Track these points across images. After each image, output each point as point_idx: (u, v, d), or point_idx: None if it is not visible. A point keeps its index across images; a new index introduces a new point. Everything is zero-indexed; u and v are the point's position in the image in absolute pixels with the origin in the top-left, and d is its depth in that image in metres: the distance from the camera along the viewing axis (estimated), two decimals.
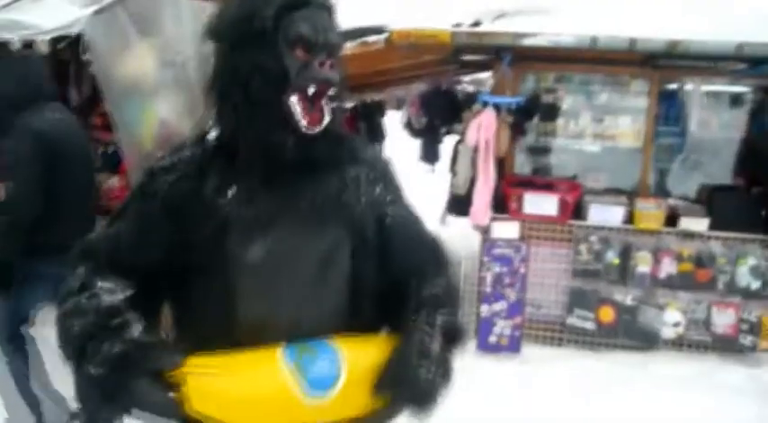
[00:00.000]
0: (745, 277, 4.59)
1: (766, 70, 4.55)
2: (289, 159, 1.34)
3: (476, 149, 4.63)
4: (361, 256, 1.43)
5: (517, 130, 4.64)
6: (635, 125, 4.88)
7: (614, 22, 4.25)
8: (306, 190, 1.38)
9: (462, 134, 4.94)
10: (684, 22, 4.28)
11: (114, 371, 1.22)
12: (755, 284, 4.59)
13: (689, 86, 4.97)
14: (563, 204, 4.70)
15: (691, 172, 5.26)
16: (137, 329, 1.26)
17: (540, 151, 5.15)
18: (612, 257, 4.65)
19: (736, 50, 4.10)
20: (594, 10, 4.39)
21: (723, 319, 4.65)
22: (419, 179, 8.77)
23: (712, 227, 4.61)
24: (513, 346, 4.77)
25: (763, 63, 4.41)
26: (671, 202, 4.87)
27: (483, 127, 4.56)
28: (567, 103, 4.91)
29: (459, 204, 4.96)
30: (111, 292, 1.31)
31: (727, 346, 4.66)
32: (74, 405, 3.16)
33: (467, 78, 6.31)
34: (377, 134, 8.44)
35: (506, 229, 4.75)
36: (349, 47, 4.53)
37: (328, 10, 1.39)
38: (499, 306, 4.77)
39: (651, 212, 4.67)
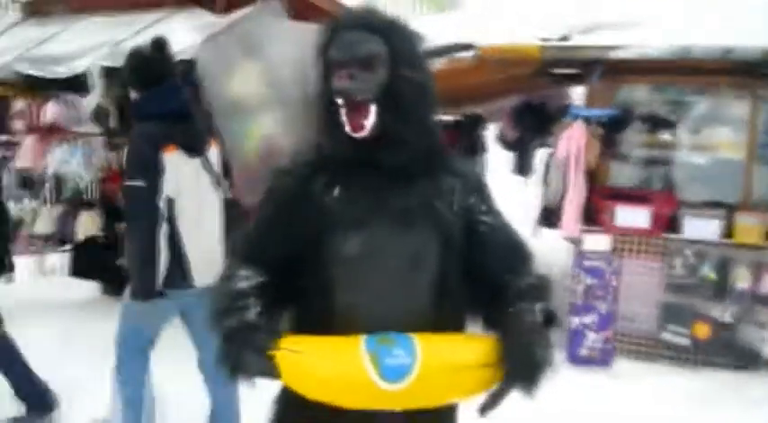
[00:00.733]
0: None
1: None
2: (356, 162, 1.55)
3: (566, 162, 4.67)
4: (448, 258, 1.57)
5: (607, 142, 4.63)
6: (735, 136, 4.74)
7: (706, 31, 4.17)
8: (399, 194, 1.55)
9: (553, 147, 4.98)
10: None
11: (229, 341, 1.47)
12: None
13: None
14: (656, 217, 4.63)
15: None
16: (253, 312, 1.48)
17: (635, 163, 5.08)
18: (708, 272, 4.53)
19: None
20: (685, 20, 4.32)
21: None
22: (513, 191, 8.79)
23: None
24: (604, 360, 4.74)
25: None
26: None
27: (572, 139, 4.60)
28: (661, 114, 4.83)
29: (551, 216, 4.99)
30: (247, 279, 1.55)
31: None
32: None
33: (559, 91, 6.32)
34: (477, 147, 8.51)
35: (597, 242, 4.74)
36: (440, 63, 4.69)
37: (368, 27, 1.54)
38: (589, 318, 4.76)
39: (751, 226, 4.52)
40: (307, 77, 5.39)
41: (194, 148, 3.08)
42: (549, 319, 1.57)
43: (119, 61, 4.79)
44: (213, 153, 3.26)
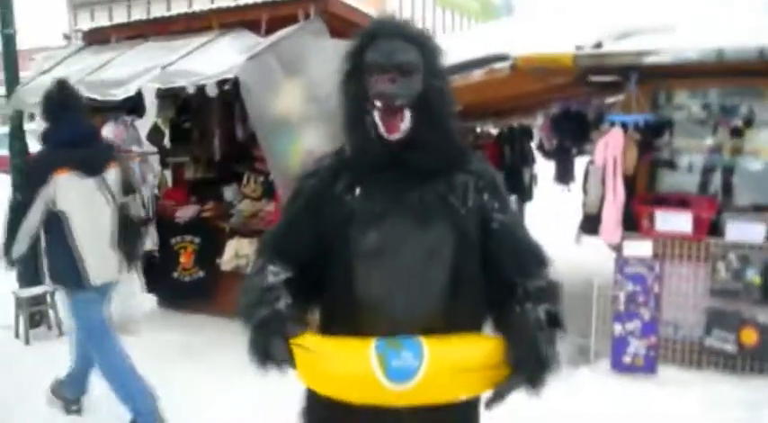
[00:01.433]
0: None
1: None
2: (383, 162, 1.68)
3: (604, 168, 4.68)
4: (463, 252, 1.69)
5: (646, 147, 4.63)
6: None
7: (742, 33, 4.14)
8: (415, 190, 1.68)
9: (592, 154, 4.99)
10: None
11: (257, 329, 1.62)
12: None
13: None
14: (698, 221, 4.59)
15: None
16: (283, 303, 1.63)
17: (675, 169, 5.04)
18: (753, 276, 4.45)
19: None
20: (720, 23, 4.30)
21: None
22: (555, 199, 8.75)
23: None
24: (649, 367, 4.69)
25: None
26: None
27: (610, 146, 4.61)
28: (700, 118, 4.79)
29: (592, 223, 4.98)
30: (276, 275, 1.70)
31: None
32: None
33: (599, 99, 6.32)
34: (524, 158, 8.53)
35: (639, 247, 4.71)
36: (477, 75, 4.78)
37: (405, 36, 1.68)
38: (633, 325, 4.72)
39: None
40: None
41: (88, 170, 3.76)
42: (556, 322, 1.65)
43: (169, 83, 5.07)
44: (111, 173, 3.90)
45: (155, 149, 6.61)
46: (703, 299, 4.62)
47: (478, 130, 8.72)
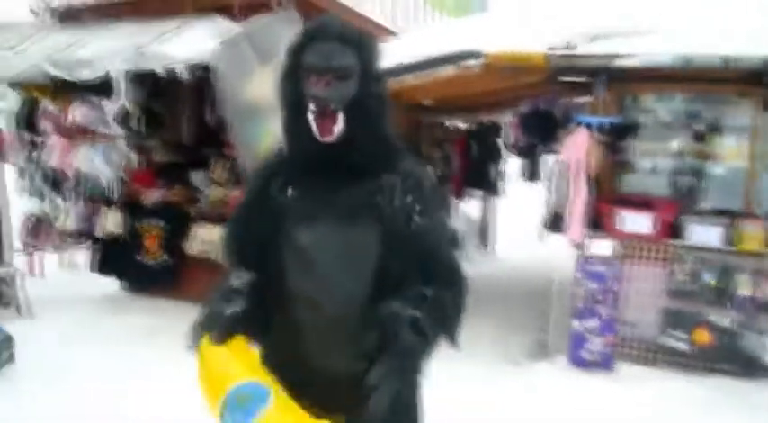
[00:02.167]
0: None
1: None
2: (316, 163, 1.72)
3: (570, 168, 4.76)
4: (388, 250, 1.72)
5: (611, 149, 4.72)
6: (739, 144, 4.78)
7: (712, 40, 4.23)
8: (344, 190, 1.72)
9: (559, 153, 5.07)
10: None
11: (198, 323, 1.74)
12: None
13: None
14: (659, 223, 4.70)
15: None
16: (235, 304, 1.71)
17: (639, 171, 5.15)
18: (710, 279, 4.57)
19: None
20: (691, 29, 4.39)
21: None
22: (522, 196, 8.87)
23: None
24: (606, 364, 4.80)
25: None
26: None
27: (576, 146, 4.69)
28: (666, 122, 4.90)
29: (556, 221, 5.06)
30: (238, 278, 1.77)
31: None
32: None
33: (569, 99, 6.41)
34: (492, 154, 8.60)
35: (601, 247, 4.81)
36: (447, 70, 4.81)
37: (342, 39, 1.69)
38: (592, 323, 4.83)
39: (754, 234, 4.55)
40: None
41: None
42: (418, 330, 1.66)
43: (141, 66, 5.02)
44: None
45: (122, 131, 6.52)
46: (660, 299, 4.73)
47: (447, 124, 8.76)
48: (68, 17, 6.43)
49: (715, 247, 4.60)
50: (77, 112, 5.87)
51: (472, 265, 6.72)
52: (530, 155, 7.37)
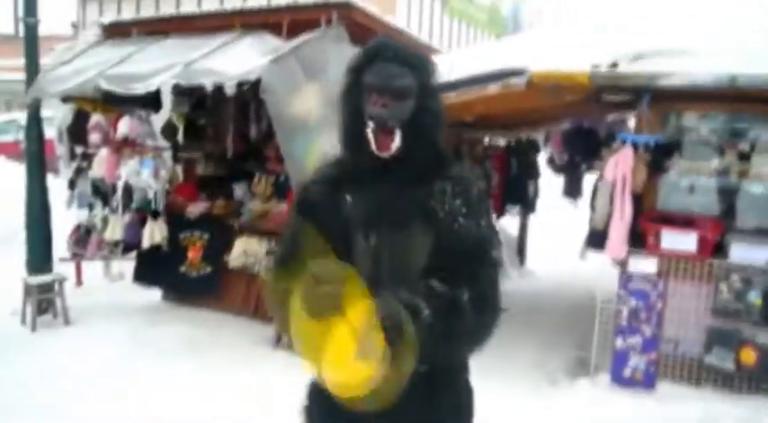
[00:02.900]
0: None
1: None
2: (373, 173, 1.83)
3: (613, 185, 4.78)
4: (436, 251, 1.83)
5: (655, 167, 4.73)
6: None
7: (755, 59, 4.24)
8: (398, 198, 1.84)
9: (602, 171, 5.09)
10: None
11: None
12: None
13: None
14: (702, 241, 4.69)
15: None
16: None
17: (682, 189, 5.13)
18: (755, 298, 4.54)
19: None
20: (734, 48, 4.39)
21: None
22: (562, 214, 8.86)
23: None
24: (648, 382, 4.78)
25: None
26: None
27: (620, 164, 4.72)
28: (709, 140, 4.88)
29: (598, 238, 5.06)
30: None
31: None
32: None
33: (612, 117, 6.43)
34: (531, 171, 8.62)
35: (643, 264, 4.81)
36: (492, 88, 4.87)
37: (401, 61, 1.81)
38: (634, 340, 4.82)
39: None
40: None
41: None
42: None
43: (191, 81, 5.16)
44: None
45: (168, 144, 6.68)
46: (704, 317, 4.71)
47: (487, 141, 8.82)
48: (116, 32, 6.61)
49: (760, 266, 4.57)
50: (126, 126, 6.04)
51: (510, 281, 6.73)
52: (571, 172, 7.38)
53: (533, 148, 8.64)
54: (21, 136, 11.58)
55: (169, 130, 6.63)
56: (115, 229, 6.23)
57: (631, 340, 4.81)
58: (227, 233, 6.19)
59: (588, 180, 6.83)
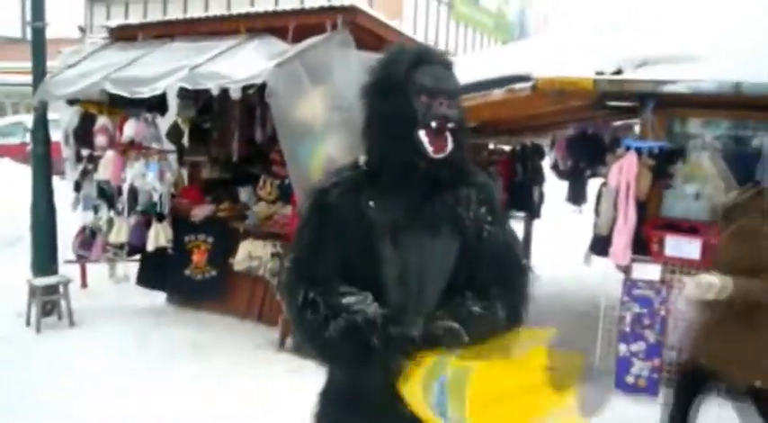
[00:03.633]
0: None
1: None
2: (420, 178, 1.80)
3: (617, 191, 4.78)
4: (463, 258, 1.84)
5: (659, 173, 4.73)
6: None
7: (760, 67, 4.24)
8: (425, 203, 1.83)
9: (606, 176, 5.09)
10: None
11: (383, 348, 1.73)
12: None
13: None
14: (707, 248, 4.68)
15: None
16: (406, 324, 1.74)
17: (686, 196, 5.13)
18: None
19: None
20: (740, 56, 4.40)
21: None
22: (566, 219, 8.85)
23: None
24: (652, 389, 4.77)
25: None
26: None
27: (624, 170, 4.72)
28: (713, 147, 4.88)
29: (602, 244, 5.07)
30: (359, 298, 1.80)
31: None
32: None
33: (619, 123, 6.44)
34: (535, 176, 8.63)
35: (647, 271, 4.81)
36: (497, 93, 4.88)
37: (445, 65, 1.84)
38: (637, 346, 4.81)
39: None
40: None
41: None
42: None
43: (196, 85, 5.18)
44: None
45: (173, 147, 6.72)
46: None
47: (491, 146, 8.82)
48: (123, 36, 6.64)
49: None
50: (131, 129, 6.06)
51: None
52: (575, 178, 7.38)
53: (538, 153, 8.64)
54: (27, 138, 11.68)
55: (175, 134, 6.68)
56: (120, 232, 6.26)
57: (635, 346, 4.80)
58: (232, 236, 6.20)
59: (592, 186, 6.85)
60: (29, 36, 6.34)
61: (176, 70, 5.36)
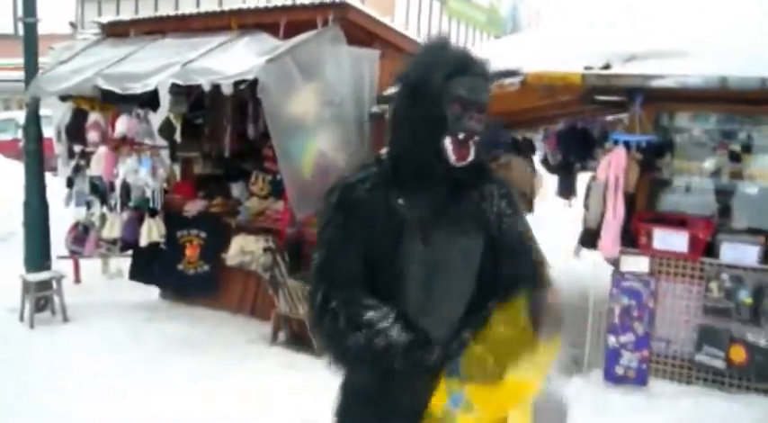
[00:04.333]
0: None
1: None
2: (440, 179, 1.84)
3: (606, 185, 4.83)
4: (489, 253, 1.88)
5: (647, 167, 4.78)
6: None
7: (747, 61, 4.29)
8: (451, 201, 1.86)
9: (595, 170, 5.14)
10: None
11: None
12: None
13: None
14: (694, 241, 4.74)
15: None
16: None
17: (675, 189, 5.20)
18: (745, 297, 4.59)
19: None
20: (728, 51, 4.44)
21: None
22: (555, 213, 8.91)
23: None
24: (640, 380, 4.83)
25: None
26: None
27: (613, 163, 4.77)
28: (701, 141, 4.95)
29: (591, 237, 5.13)
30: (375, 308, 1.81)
31: None
32: None
33: (609, 117, 6.48)
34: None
35: (636, 263, 4.86)
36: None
37: (484, 77, 1.84)
38: (626, 338, 4.87)
39: None
40: (361, 99, 5.70)
41: None
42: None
43: (188, 80, 5.20)
44: None
45: (165, 143, 6.73)
46: (695, 316, 4.76)
47: None
48: (115, 32, 6.65)
49: (750, 265, 4.63)
50: (124, 124, 6.07)
51: None
52: (565, 172, 7.43)
53: (529, 147, 8.67)
54: (19, 135, 11.65)
55: (167, 129, 6.69)
56: (113, 227, 6.27)
57: (623, 338, 4.86)
58: (225, 231, 6.23)
59: (582, 180, 6.90)
60: (21, 32, 6.35)
61: (168, 66, 5.38)
